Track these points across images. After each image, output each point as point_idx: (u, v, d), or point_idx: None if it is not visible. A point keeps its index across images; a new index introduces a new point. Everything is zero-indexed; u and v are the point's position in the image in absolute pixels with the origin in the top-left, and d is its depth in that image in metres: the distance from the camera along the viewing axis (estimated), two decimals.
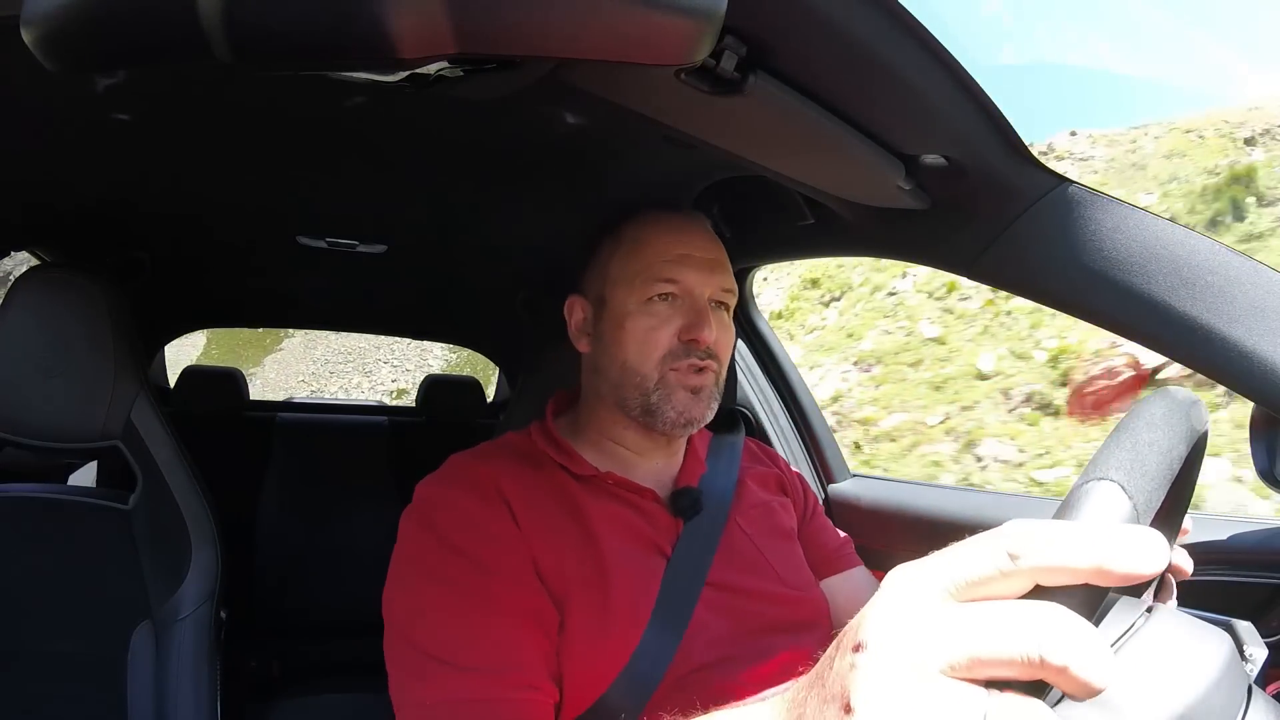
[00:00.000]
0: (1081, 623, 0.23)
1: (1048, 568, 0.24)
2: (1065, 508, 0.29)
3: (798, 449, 1.26)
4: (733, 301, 0.78)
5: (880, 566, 0.86)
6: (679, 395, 0.72)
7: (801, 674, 0.29)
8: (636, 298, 0.73)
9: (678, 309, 0.73)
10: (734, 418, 0.92)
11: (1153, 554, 0.23)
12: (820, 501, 0.94)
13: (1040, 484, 4.73)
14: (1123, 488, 0.29)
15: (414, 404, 2.43)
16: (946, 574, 0.25)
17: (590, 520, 0.68)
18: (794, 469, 0.93)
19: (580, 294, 0.80)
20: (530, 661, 0.59)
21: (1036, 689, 0.23)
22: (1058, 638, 0.22)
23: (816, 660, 0.28)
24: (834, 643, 0.27)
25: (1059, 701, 0.31)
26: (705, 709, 0.36)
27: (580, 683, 0.62)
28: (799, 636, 0.70)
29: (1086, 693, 0.22)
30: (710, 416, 0.75)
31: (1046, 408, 5.38)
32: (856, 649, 0.25)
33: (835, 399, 6.62)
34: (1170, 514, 0.46)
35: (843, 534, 0.90)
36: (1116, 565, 0.23)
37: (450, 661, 0.58)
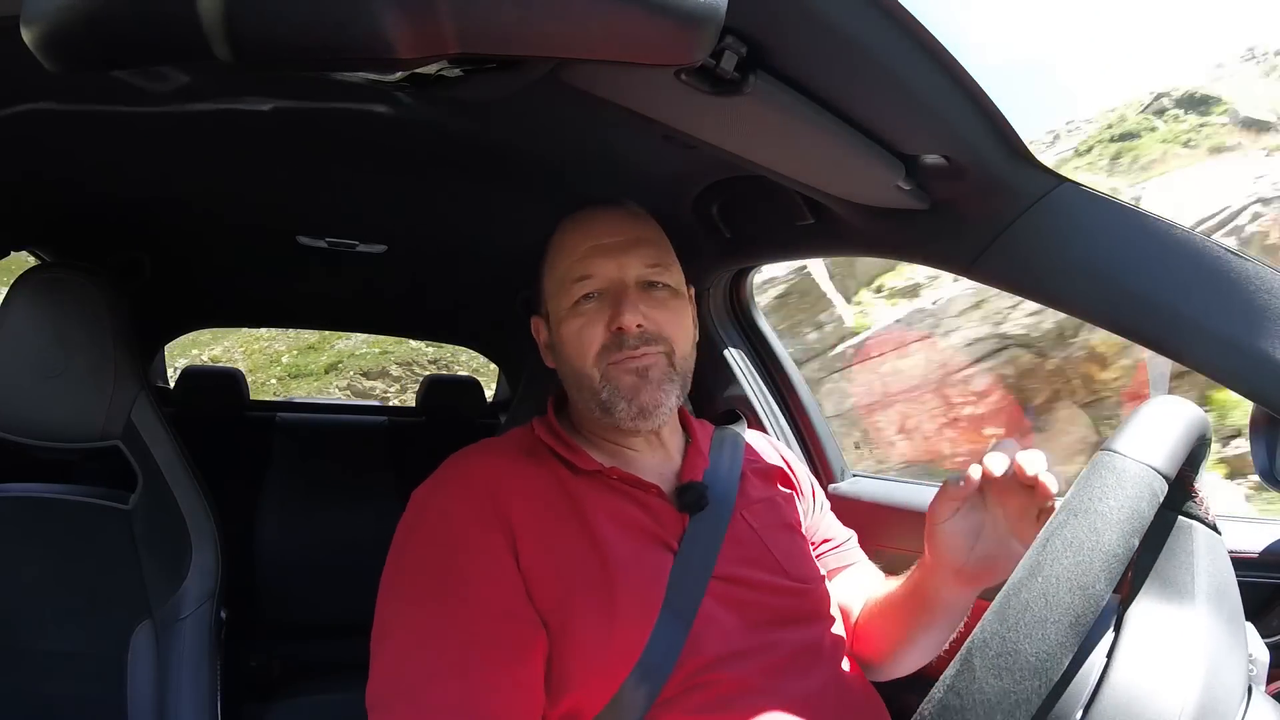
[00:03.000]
0: None
1: None
2: None
3: (797, 449, 1.26)
4: (670, 277, 0.75)
5: (879, 567, 0.87)
6: (624, 381, 0.71)
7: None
8: (565, 303, 0.73)
9: (605, 302, 0.72)
10: (734, 415, 0.92)
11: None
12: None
13: None
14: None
15: (413, 404, 2.44)
16: None
17: (594, 517, 0.68)
18: (801, 464, 0.92)
19: (539, 313, 0.80)
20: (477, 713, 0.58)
21: None
22: None
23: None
24: None
25: None
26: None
27: (594, 680, 0.62)
28: (805, 629, 0.70)
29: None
30: (671, 400, 0.73)
31: None
32: None
33: None
34: None
35: (848, 532, 0.89)
36: None
37: (403, 701, 0.58)
